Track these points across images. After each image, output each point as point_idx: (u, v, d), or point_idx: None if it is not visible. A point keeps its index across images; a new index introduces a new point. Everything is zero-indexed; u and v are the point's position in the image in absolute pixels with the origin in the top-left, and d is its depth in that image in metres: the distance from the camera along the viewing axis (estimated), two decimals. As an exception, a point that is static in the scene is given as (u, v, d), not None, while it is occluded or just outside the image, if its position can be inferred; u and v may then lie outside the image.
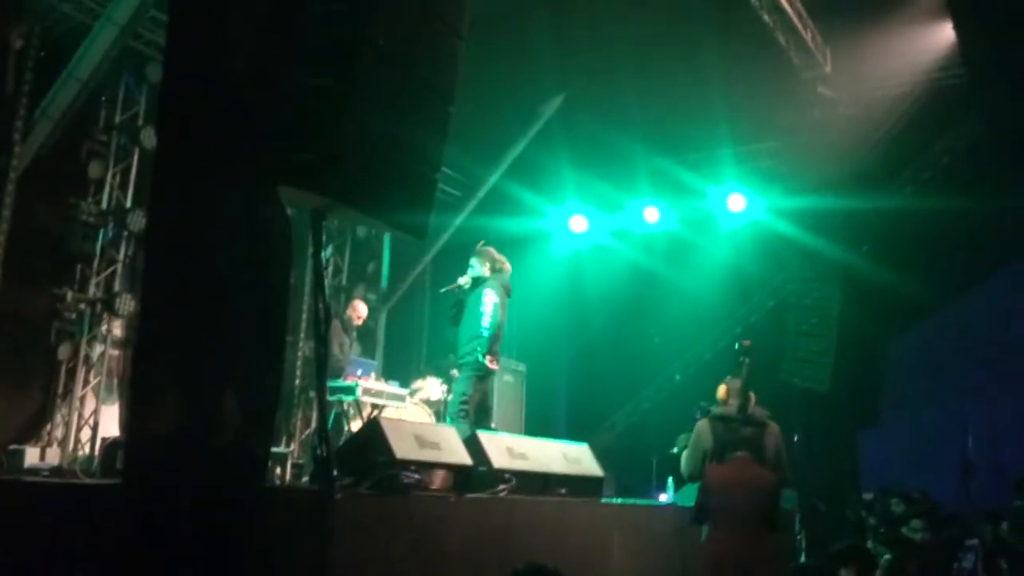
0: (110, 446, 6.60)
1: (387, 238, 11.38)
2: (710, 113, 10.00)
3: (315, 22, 3.54)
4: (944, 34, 9.06)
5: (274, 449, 7.24)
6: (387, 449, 4.40)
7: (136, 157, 8.50)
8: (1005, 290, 10.27)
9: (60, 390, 8.00)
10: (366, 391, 7.71)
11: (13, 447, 7.15)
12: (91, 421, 8.04)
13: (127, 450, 3.62)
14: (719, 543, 4.88)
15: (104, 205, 8.37)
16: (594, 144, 11.02)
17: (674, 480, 7.73)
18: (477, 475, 5.11)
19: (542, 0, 8.81)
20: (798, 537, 7.48)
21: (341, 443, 5.77)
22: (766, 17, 8.89)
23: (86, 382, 8.15)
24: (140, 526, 2.94)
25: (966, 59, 8.90)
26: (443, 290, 7.33)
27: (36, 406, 7.85)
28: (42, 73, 7.56)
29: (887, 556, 3.81)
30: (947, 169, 10.12)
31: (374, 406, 7.76)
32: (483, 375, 6.78)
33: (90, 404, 8.13)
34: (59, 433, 7.90)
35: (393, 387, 8.25)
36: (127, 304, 8.14)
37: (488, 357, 6.67)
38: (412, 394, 8.36)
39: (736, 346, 5.09)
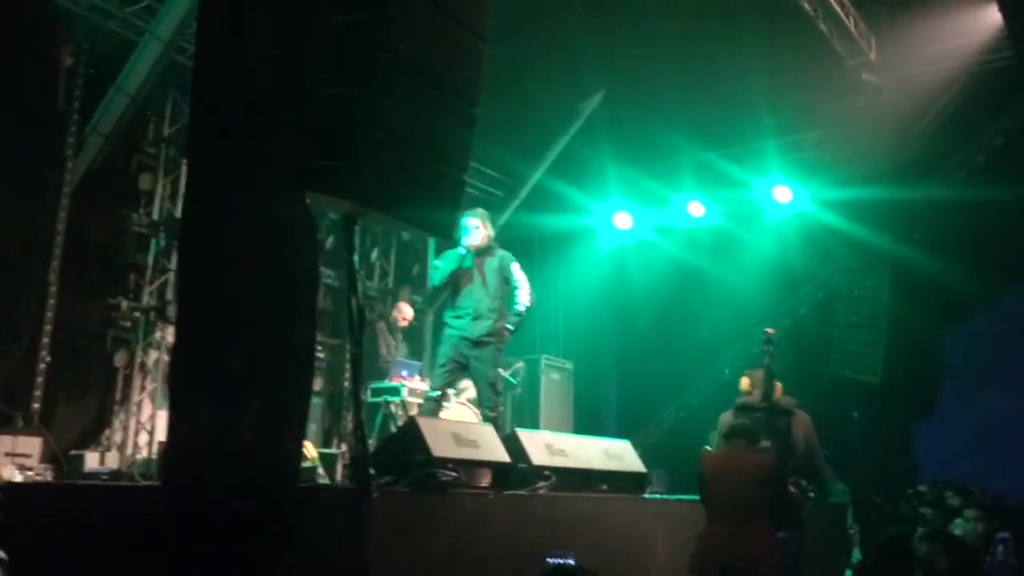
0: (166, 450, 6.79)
1: (431, 240, 11.49)
2: (753, 105, 9.89)
3: (337, 31, 3.62)
4: (990, 16, 8.84)
5: (324, 450, 7.39)
6: (424, 448, 4.47)
7: (184, 169, 8.72)
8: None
9: (118, 396, 8.23)
10: (412, 392, 7.79)
11: (74, 452, 7.37)
12: (148, 426, 8.27)
13: (165, 452, 3.74)
14: (708, 536, 4.62)
15: (155, 216, 8.59)
16: (636, 139, 10.97)
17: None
18: (516, 472, 5.15)
19: (581, -1, 8.83)
20: (850, 532, 7.38)
21: (380, 443, 5.86)
22: (807, 6, 8.77)
23: (142, 388, 8.38)
24: (177, 528, 3.04)
25: (1015, 40, 8.67)
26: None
27: (95, 412, 8.07)
28: (92, 89, 7.79)
29: (923, 548, 3.64)
30: (1000, 152, 9.83)
31: (420, 407, 7.85)
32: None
33: (147, 409, 8.36)
34: (118, 438, 8.14)
35: (439, 387, 8.31)
36: (179, 312, 8.34)
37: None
38: (458, 394, 8.41)
39: (762, 336, 4.96)
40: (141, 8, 7.91)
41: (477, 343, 6.24)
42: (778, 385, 4.93)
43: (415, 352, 10.27)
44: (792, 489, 4.69)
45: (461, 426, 5.31)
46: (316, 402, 8.46)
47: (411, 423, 4.79)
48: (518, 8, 7.91)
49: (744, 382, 4.99)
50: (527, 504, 4.96)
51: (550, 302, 12.73)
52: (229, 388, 3.17)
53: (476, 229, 6.35)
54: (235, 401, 3.16)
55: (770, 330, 4.96)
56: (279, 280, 3.31)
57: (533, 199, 11.42)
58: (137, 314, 8.35)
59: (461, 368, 6.38)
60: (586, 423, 10.20)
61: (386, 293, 10.72)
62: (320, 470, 6.17)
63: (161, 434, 8.22)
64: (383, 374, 8.05)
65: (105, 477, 6.84)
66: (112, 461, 7.78)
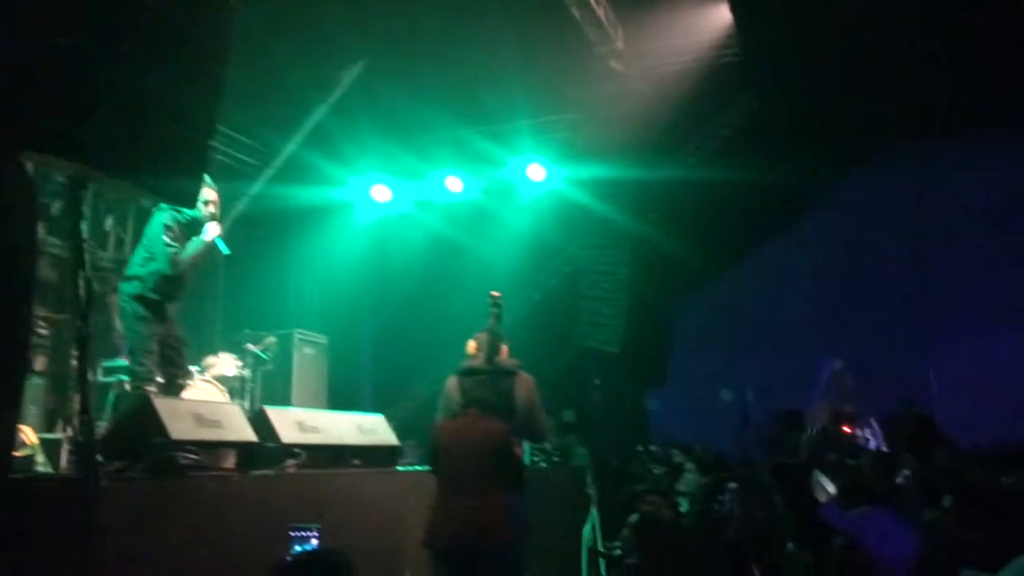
0: None
1: (176, 208, 10.78)
2: (509, 85, 10.13)
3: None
4: (723, 14, 9.64)
5: (46, 435, 6.74)
6: (161, 430, 4.20)
7: None
8: (779, 254, 11.21)
9: None
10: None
11: None
12: None
13: None
14: (441, 508, 4.43)
15: None
16: (395, 113, 10.91)
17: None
18: (264, 452, 4.99)
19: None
20: (589, 492, 7.85)
21: (110, 426, 5.45)
22: (561, -8, 9.08)
23: None
24: None
25: (741, 38, 9.52)
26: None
27: None
28: None
29: (646, 504, 3.88)
30: (727, 141, 10.79)
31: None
32: None
33: None
34: None
35: (181, 364, 7.84)
36: None
37: None
38: (203, 371, 7.99)
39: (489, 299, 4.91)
40: None
41: None
42: (503, 348, 4.90)
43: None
44: (516, 450, 4.69)
45: (204, 405, 5.04)
46: (38, 383, 7.68)
47: (145, 403, 4.47)
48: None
49: (471, 345, 4.88)
50: (274, 484, 4.81)
51: (305, 276, 12.43)
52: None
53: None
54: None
55: (495, 293, 4.91)
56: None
57: (288, 171, 11.03)
58: None
59: None
60: (341, 398, 10.07)
61: (121, 264, 9.89)
62: (40, 457, 5.63)
63: None
64: (117, 351, 7.46)
65: None
66: None
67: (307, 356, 9.87)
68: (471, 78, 10.25)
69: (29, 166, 3.40)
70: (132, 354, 5.91)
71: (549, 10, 9.15)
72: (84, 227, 3.99)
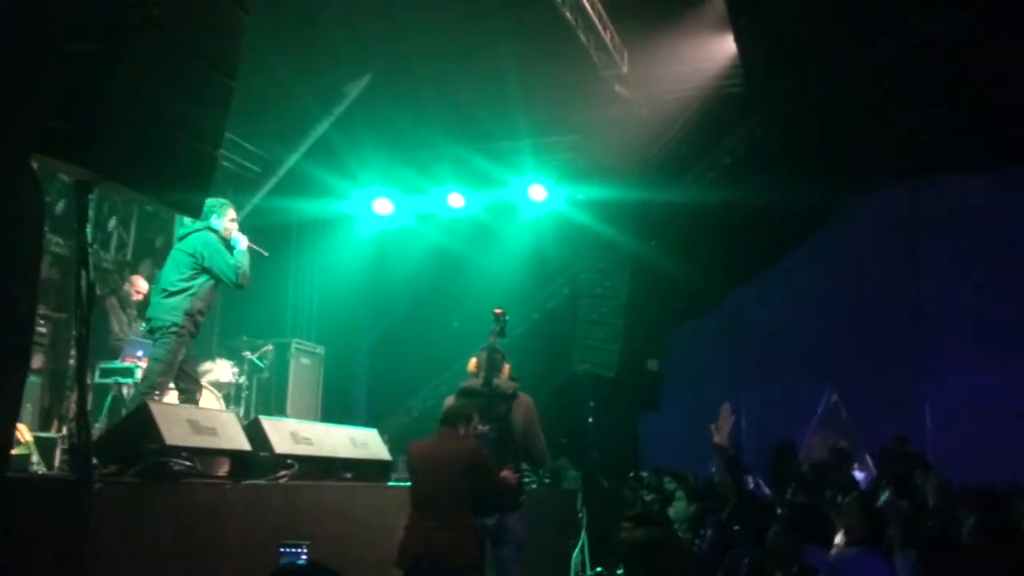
0: None
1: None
2: (511, 105, 10.18)
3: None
4: (728, 44, 9.74)
5: (42, 434, 6.75)
6: (156, 435, 4.21)
7: None
8: (775, 284, 11.27)
9: None
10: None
11: None
12: None
13: None
14: (409, 527, 4.41)
15: None
16: (397, 129, 10.99)
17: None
18: (257, 461, 5.00)
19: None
20: (580, 515, 7.85)
21: (106, 429, 5.46)
22: (568, 15, 9.16)
23: None
24: None
25: (745, 69, 9.62)
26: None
27: None
28: None
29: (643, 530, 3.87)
30: (728, 169, 10.86)
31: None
32: None
33: None
34: None
35: (178, 369, 7.85)
36: None
37: None
38: (199, 376, 8.00)
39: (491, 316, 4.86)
40: None
41: None
42: (505, 367, 4.82)
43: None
44: (507, 473, 4.63)
45: (199, 412, 5.06)
46: (35, 381, 7.68)
47: (142, 408, 4.49)
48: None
49: (471, 363, 4.82)
50: (266, 493, 4.82)
51: (305, 286, 12.45)
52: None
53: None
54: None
55: (499, 310, 4.85)
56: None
57: (291, 183, 11.08)
58: None
59: None
60: (336, 409, 10.09)
61: (123, 266, 9.93)
62: (35, 457, 5.63)
63: None
64: (115, 353, 7.48)
65: None
66: None
67: (303, 366, 9.89)
68: (472, 97, 10.33)
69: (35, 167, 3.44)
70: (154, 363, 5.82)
71: (555, 33, 9.23)
72: (89, 230, 4.02)
